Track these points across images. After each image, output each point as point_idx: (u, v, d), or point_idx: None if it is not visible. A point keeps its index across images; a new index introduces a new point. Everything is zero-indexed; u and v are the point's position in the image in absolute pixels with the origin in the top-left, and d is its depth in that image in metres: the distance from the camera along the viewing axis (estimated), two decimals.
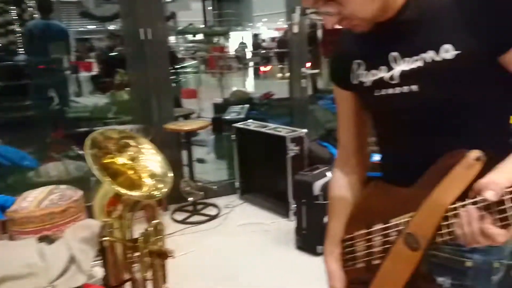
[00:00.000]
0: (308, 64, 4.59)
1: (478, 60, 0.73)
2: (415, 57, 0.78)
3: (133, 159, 1.28)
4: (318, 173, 2.49)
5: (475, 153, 0.70)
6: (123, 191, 1.16)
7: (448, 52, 0.73)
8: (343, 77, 0.96)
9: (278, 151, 2.98)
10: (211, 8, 19.33)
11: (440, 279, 0.82)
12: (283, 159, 2.94)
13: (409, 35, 0.79)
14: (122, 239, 1.28)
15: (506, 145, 0.79)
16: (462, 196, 0.71)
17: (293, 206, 2.84)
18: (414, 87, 0.79)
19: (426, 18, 0.76)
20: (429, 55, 0.76)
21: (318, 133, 3.75)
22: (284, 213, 3.02)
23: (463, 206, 0.68)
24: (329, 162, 2.85)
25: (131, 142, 1.27)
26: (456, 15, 0.72)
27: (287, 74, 4.74)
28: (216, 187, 3.36)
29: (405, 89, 0.81)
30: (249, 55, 14.72)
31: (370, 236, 0.93)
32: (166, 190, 1.23)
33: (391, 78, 0.83)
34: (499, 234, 0.63)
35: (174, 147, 3.32)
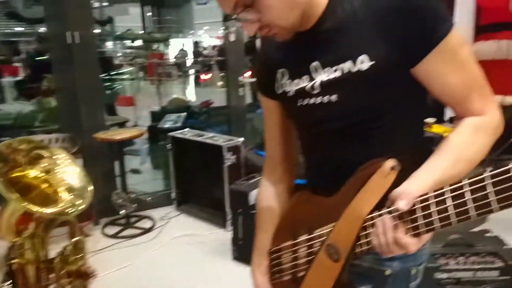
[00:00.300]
0: (248, 73, 4.61)
1: (392, 71, 0.74)
2: (334, 67, 0.78)
3: (47, 171, 1.17)
4: (254, 182, 2.48)
5: (390, 163, 0.71)
6: (34, 208, 1.05)
7: (363, 63, 0.74)
8: (268, 86, 0.95)
9: (215, 160, 2.93)
10: (150, 14, 18.93)
11: None
12: (220, 169, 2.90)
13: (328, 44, 0.80)
14: (35, 260, 1.16)
15: (421, 152, 0.82)
16: (379, 205, 0.72)
17: (230, 216, 2.80)
18: (333, 97, 0.80)
19: (343, 28, 0.77)
20: (347, 65, 0.76)
21: (256, 141, 3.76)
22: (221, 224, 2.97)
23: (379, 215, 0.69)
24: None
25: (44, 153, 1.16)
26: (371, 27, 0.73)
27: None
28: (150, 198, 3.23)
29: (325, 99, 0.81)
30: (189, 62, 14.59)
31: (296, 248, 0.92)
32: (84, 205, 1.14)
33: (312, 88, 0.83)
34: (411, 244, 0.64)
35: (106, 157, 3.15)
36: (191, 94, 11.63)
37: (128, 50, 19.71)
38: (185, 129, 3.34)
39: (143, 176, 4.11)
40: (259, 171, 2.88)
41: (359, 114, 0.79)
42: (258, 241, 1.06)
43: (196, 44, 15.10)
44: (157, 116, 4.95)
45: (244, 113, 3.76)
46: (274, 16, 0.75)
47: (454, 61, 0.73)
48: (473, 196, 0.55)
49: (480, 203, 0.55)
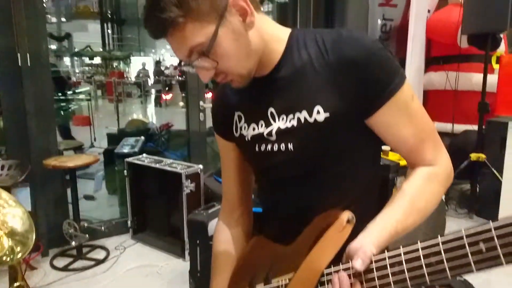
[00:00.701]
0: (209, 95, 4.57)
1: (347, 122, 0.75)
2: (291, 116, 0.78)
3: None
4: (213, 212, 2.42)
5: (346, 215, 0.70)
6: None
7: (319, 113, 0.74)
8: (226, 128, 0.94)
9: (173, 188, 2.86)
10: (110, 31, 18.59)
11: None
12: (178, 196, 2.82)
13: (284, 92, 0.79)
14: None
15: (375, 200, 0.82)
16: (337, 258, 0.71)
17: (188, 245, 2.72)
18: (290, 145, 0.79)
19: (299, 77, 0.77)
20: (303, 115, 0.76)
21: (216, 166, 3.72)
22: (179, 253, 2.88)
23: (336, 272, 0.68)
24: None
25: None
26: (326, 79, 0.74)
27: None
28: (103, 228, 3.08)
29: (282, 146, 0.80)
30: (150, 81, 14.39)
31: None
32: (24, 254, 1.05)
33: (269, 134, 0.82)
34: None
35: (57, 184, 2.99)
36: (151, 115, 11.43)
37: (87, 68, 19.21)
38: (143, 155, 3.24)
39: (97, 202, 3.94)
40: (219, 199, 2.84)
41: (315, 163, 0.79)
42: (214, 286, 1.02)
43: (158, 63, 14.95)
44: (114, 139, 4.80)
45: (204, 138, 3.71)
46: (230, 65, 0.74)
47: (406, 113, 0.75)
48: (426, 261, 0.55)
49: (434, 268, 0.54)
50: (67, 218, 2.90)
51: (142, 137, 3.92)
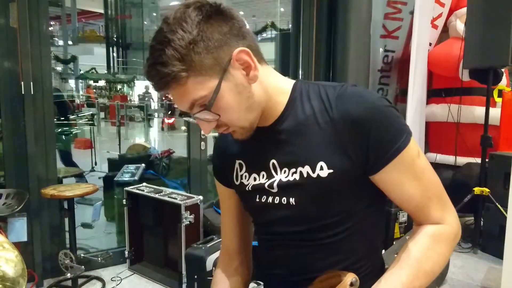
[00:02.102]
0: None
1: (351, 179, 0.73)
2: (293, 169, 0.76)
3: None
4: (211, 246, 2.38)
5: (349, 278, 0.67)
6: None
7: (322, 169, 0.72)
8: (226, 175, 0.92)
9: (172, 219, 2.82)
10: (115, 55, 18.89)
11: None
12: (176, 227, 2.78)
13: (287, 145, 0.78)
14: None
15: (379, 259, 0.79)
16: None
17: (185, 279, 2.66)
18: (292, 200, 0.77)
19: (302, 131, 0.76)
20: (306, 169, 0.74)
21: (216, 195, 3.68)
22: (177, 286, 2.81)
23: None
24: None
25: None
26: (330, 136, 0.73)
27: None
28: (100, 259, 3.02)
29: (284, 200, 0.78)
30: (154, 105, 14.49)
31: None
32: None
33: (271, 186, 0.80)
34: None
35: (55, 212, 2.96)
36: (153, 139, 11.46)
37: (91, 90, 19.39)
38: (143, 184, 3.22)
39: (96, 230, 3.88)
40: (218, 232, 2.79)
41: (318, 219, 0.77)
42: None
43: None
44: (115, 164, 4.78)
45: (205, 166, 3.69)
46: (232, 117, 0.73)
47: (412, 171, 0.73)
48: None
49: None
50: (63, 248, 2.85)
51: (143, 164, 3.90)
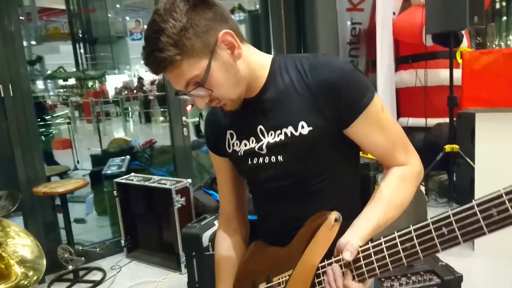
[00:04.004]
0: (189, 107, 4.65)
1: (328, 134, 0.86)
2: (278, 131, 0.89)
3: None
4: (205, 224, 2.50)
5: (333, 215, 0.81)
6: None
7: (303, 128, 0.85)
8: (219, 146, 1.03)
9: (164, 204, 2.92)
10: (83, 51, 18.38)
11: None
12: (169, 212, 2.89)
13: (271, 112, 0.90)
14: None
15: (358, 199, 0.93)
16: (329, 254, 0.81)
17: (183, 258, 2.78)
18: (280, 157, 0.89)
19: (284, 98, 0.88)
20: (289, 130, 0.87)
21: (203, 178, 3.79)
22: (176, 267, 2.94)
23: (329, 264, 0.78)
24: (216, 211, 2.89)
25: None
26: (307, 98, 0.85)
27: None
28: (98, 250, 3.11)
29: (273, 158, 0.90)
30: (128, 98, 14.29)
31: None
32: (38, 277, 1.12)
33: (260, 148, 0.92)
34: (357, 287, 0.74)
35: (48, 210, 3.02)
36: (132, 133, 11.39)
37: (61, 90, 18.93)
38: (131, 174, 3.29)
39: (88, 225, 3.95)
40: (210, 211, 2.92)
41: (303, 172, 0.90)
42: None
43: (140, 79, 14.86)
44: (98, 160, 4.81)
45: (189, 152, 3.78)
46: (222, 92, 0.85)
47: (378, 123, 0.86)
48: (403, 247, 0.66)
49: (409, 252, 0.65)
50: (60, 244, 2.92)
51: (128, 156, 3.96)
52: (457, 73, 3.65)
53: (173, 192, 2.81)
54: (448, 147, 3.55)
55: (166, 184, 2.90)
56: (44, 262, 1.18)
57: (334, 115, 0.84)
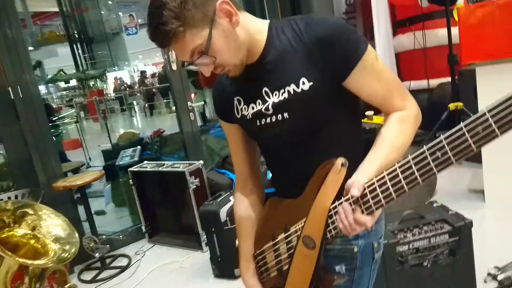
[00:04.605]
0: (193, 95, 4.71)
1: (328, 87, 0.92)
2: (282, 90, 0.95)
3: (33, 228, 1.24)
4: (221, 200, 2.59)
5: (340, 160, 0.87)
6: (29, 261, 1.12)
7: (304, 84, 0.91)
8: (228, 113, 1.10)
9: (179, 187, 3.02)
10: (81, 51, 18.39)
11: (337, 267, 0.99)
12: (185, 194, 2.98)
13: (273, 73, 0.96)
14: None
15: (361, 149, 1.00)
16: (339, 196, 0.88)
17: (204, 237, 2.89)
18: (285, 114, 0.96)
19: (283, 58, 0.94)
20: (292, 87, 0.93)
21: (214, 161, 3.88)
22: (197, 246, 3.05)
23: (340, 204, 0.85)
24: (230, 187, 2.98)
25: (29, 211, 1.23)
26: (305, 55, 0.91)
27: (174, 108, 4.74)
28: (121, 236, 3.23)
29: (279, 116, 0.97)
30: (129, 93, 14.37)
31: (277, 246, 1.06)
32: (75, 249, 1.21)
33: (267, 109, 0.98)
34: (367, 220, 0.81)
35: (69, 204, 3.13)
36: (140, 126, 11.51)
37: (64, 92, 19.04)
38: (144, 162, 3.39)
39: (108, 217, 4.08)
40: (224, 188, 3.01)
41: (307, 126, 0.96)
42: (242, 248, 1.18)
43: (143, 72, 14.91)
44: (110, 154, 4.92)
45: (198, 136, 3.86)
46: (225, 58, 0.91)
47: (373, 72, 0.92)
48: (403, 176, 0.72)
49: (409, 179, 0.72)
50: (84, 235, 3.04)
51: (139, 147, 4.05)
52: (456, 31, 3.66)
53: (187, 174, 2.90)
54: (452, 106, 3.58)
55: (179, 167, 2.99)
56: (77, 235, 1.27)
57: (332, 68, 0.90)
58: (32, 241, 1.24)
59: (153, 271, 2.91)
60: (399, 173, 0.73)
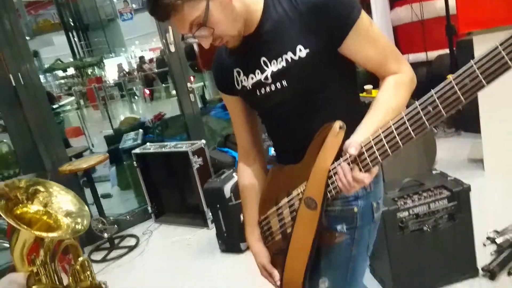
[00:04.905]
0: (192, 78, 4.73)
1: (324, 53, 0.95)
2: (280, 59, 0.98)
3: (45, 204, 1.28)
4: (225, 177, 2.64)
5: (337, 124, 0.91)
6: (44, 234, 1.17)
7: (301, 51, 0.94)
8: (228, 85, 1.13)
9: (183, 167, 3.07)
10: (77, 39, 18.25)
11: (338, 227, 1.03)
12: (189, 173, 3.03)
13: (270, 43, 0.99)
14: (50, 284, 1.27)
15: (358, 113, 1.03)
16: (337, 158, 0.92)
17: (209, 214, 2.95)
18: (284, 82, 0.99)
19: (280, 28, 0.97)
20: (289, 55, 0.96)
21: (216, 141, 3.92)
22: (202, 224, 3.12)
23: (339, 165, 0.89)
24: (233, 165, 3.03)
25: (40, 188, 1.27)
26: (301, 23, 0.94)
27: (173, 92, 4.73)
28: (128, 217, 3.30)
29: (278, 85, 1.00)
30: (129, 79, 14.34)
31: (280, 211, 1.11)
32: (87, 222, 1.26)
33: (266, 78, 1.02)
34: (365, 177, 0.85)
35: (75, 188, 3.17)
36: (140, 111, 11.52)
37: (62, 81, 18.98)
38: (147, 144, 3.43)
39: (114, 200, 4.15)
40: (227, 166, 3.06)
41: (305, 92, 0.99)
42: (247, 215, 1.23)
43: (141, 58, 14.83)
44: (112, 139, 4.97)
45: (200, 117, 3.89)
46: (223, 29, 0.94)
47: (368, 37, 0.95)
48: (397, 132, 0.76)
49: (403, 134, 0.76)
50: (91, 217, 3.11)
51: (141, 130, 4.09)
52: (453, 1, 3.64)
53: (190, 153, 2.94)
54: (450, 77, 3.59)
55: (182, 147, 3.03)
56: (87, 208, 1.32)
57: (327, 34, 0.92)
58: (45, 217, 1.28)
59: (161, 249, 2.99)
60: (394, 130, 0.77)
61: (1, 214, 1.10)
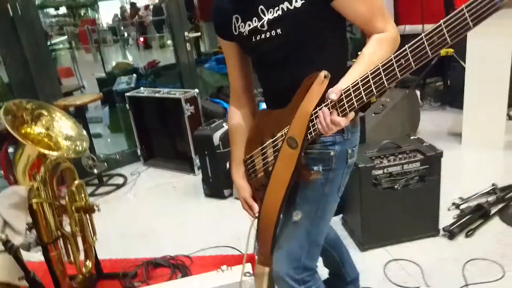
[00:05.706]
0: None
1: (318, 5, 1.03)
2: (276, 8, 1.06)
3: (47, 128, 1.38)
4: (215, 126, 2.74)
5: (323, 73, 1.01)
6: (47, 152, 1.27)
7: (297, 1, 1.02)
8: (226, 30, 1.21)
9: (174, 113, 3.15)
10: None
11: (315, 168, 1.16)
12: (180, 120, 3.12)
13: None
14: (49, 199, 1.39)
15: (344, 68, 1.13)
16: (320, 103, 1.02)
17: (196, 161, 3.07)
18: (279, 31, 1.07)
19: None
20: (285, 5, 1.04)
21: (208, 93, 3.99)
22: (189, 170, 3.25)
23: (320, 109, 1.00)
24: (224, 116, 3.13)
25: (44, 112, 1.36)
26: None
27: (169, 42, 4.66)
28: (118, 156, 3.41)
29: (273, 32, 1.09)
30: (124, 24, 13.98)
31: (264, 150, 1.22)
32: (85, 144, 1.37)
33: (262, 26, 1.10)
34: (342, 121, 0.96)
35: None
36: (133, 58, 11.35)
37: (54, 19, 18.37)
38: (140, 88, 3.48)
39: (104, 141, 4.24)
40: (218, 116, 3.15)
41: (298, 40, 1.08)
42: (233, 154, 1.35)
43: (133, 4, 14.37)
44: (104, 82, 4.98)
45: (194, 67, 3.93)
46: None
47: None
48: (374, 81, 0.87)
49: (378, 83, 0.86)
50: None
51: (134, 74, 4.11)
52: None
53: (183, 100, 3.02)
54: (443, 52, 3.66)
55: (175, 94, 3.10)
56: (85, 132, 1.42)
57: None
58: (46, 139, 1.38)
59: (147, 189, 3.13)
60: (370, 79, 0.87)
61: (8, 128, 1.20)
